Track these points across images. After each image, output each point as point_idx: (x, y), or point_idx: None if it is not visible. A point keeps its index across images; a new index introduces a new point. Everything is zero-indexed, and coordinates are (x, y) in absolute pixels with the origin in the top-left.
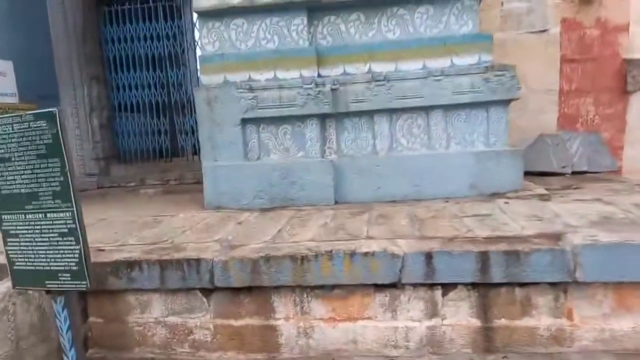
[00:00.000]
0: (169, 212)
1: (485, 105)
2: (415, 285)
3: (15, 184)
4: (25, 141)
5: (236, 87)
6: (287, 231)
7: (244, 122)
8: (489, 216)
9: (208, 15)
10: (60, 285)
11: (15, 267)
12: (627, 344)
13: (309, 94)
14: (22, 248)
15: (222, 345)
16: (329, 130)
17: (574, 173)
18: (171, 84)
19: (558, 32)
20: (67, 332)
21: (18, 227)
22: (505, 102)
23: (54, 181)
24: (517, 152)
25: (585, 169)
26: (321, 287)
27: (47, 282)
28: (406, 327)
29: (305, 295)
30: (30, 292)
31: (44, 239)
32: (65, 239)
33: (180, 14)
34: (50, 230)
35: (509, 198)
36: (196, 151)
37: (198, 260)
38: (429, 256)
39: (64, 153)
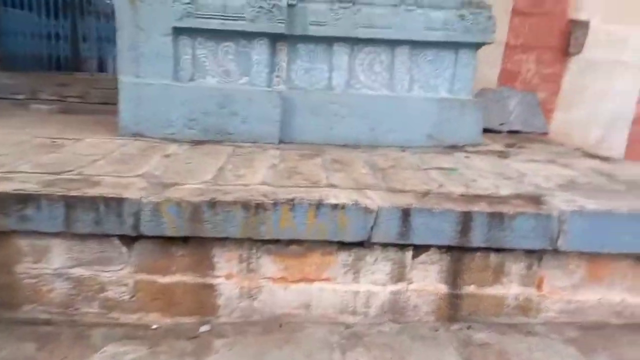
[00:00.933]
0: (72, 135)
1: (455, 46)
2: (385, 245)
3: None
4: None
5: None
6: (230, 171)
7: (177, 31)
8: (454, 170)
9: None
10: None
11: None
12: (591, 317)
13: (261, 7)
14: None
15: (143, 306)
16: (280, 55)
17: (508, 132)
18: None
19: None
20: None
21: None
22: (477, 46)
23: None
24: (480, 103)
25: (518, 128)
26: (275, 241)
27: None
28: (368, 292)
29: (254, 251)
30: None
31: None
32: None
33: None
34: None
35: (467, 152)
36: (101, 66)
37: (120, 200)
38: (406, 213)
39: None
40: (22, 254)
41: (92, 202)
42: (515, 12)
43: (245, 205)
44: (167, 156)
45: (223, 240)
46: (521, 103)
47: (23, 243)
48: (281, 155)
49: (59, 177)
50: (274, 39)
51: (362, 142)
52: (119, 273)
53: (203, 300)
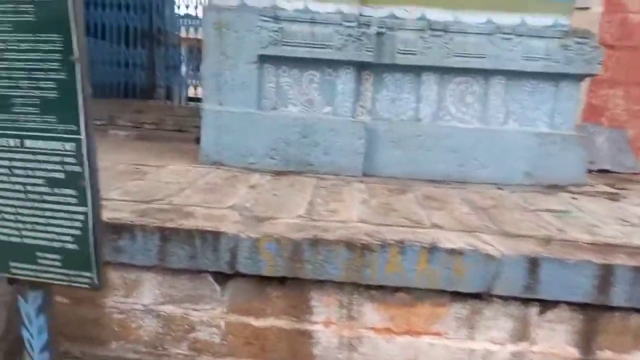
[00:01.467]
0: (153, 162)
1: (556, 77)
2: (506, 299)
3: None
4: None
5: (258, 13)
6: (321, 205)
7: (262, 59)
8: (567, 213)
9: None
10: (38, 273)
11: None
12: None
13: (349, 35)
14: None
15: (234, 350)
16: (365, 85)
17: (597, 171)
18: (154, 7)
19: (600, 12)
20: (40, 352)
21: None
22: (580, 77)
23: (47, 79)
24: (583, 139)
25: (607, 167)
26: (380, 287)
27: (12, 264)
28: (485, 350)
29: (356, 296)
30: None
31: (16, 188)
32: (58, 191)
33: None
34: (30, 172)
35: (573, 193)
36: (169, 94)
37: (216, 234)
38: (533, 262)
39: (73, 24)
40: (113, 287)
41: (188, 235)
42: (602, 44)
43: (350, 245)
44: (253, 187)
45: (322, 283)
46: (609, 140)
47: (114, 275)
48: (368, 190)
49: (149, 206)
50: (360, 67)
51: (450, 178)
52: (211, 313)
53: (298, 348)
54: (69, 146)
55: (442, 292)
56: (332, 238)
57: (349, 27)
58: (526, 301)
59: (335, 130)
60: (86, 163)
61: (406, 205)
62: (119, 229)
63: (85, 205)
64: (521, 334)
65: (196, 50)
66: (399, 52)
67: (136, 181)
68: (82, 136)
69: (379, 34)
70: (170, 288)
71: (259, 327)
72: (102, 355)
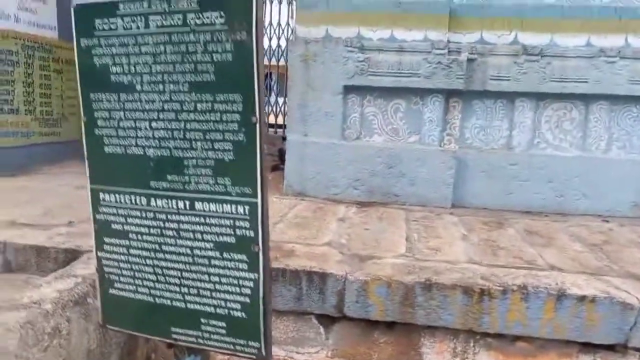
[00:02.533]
0: None
1: None
2: None
3: (138, 136)
4: (172, 54)
5: (344, 44)
6: (419, 241)
7: (347, 90)
8: None
9: None
10: (201, 340)
11: (111, 292)
12: None
13: (439, 62)
14: (131, 259)
15: None
16: (453, 113)
17: None
18: None
19: None
20: None
21: (129, 220)
22: None
23: (224, 140)
24: None
25: None
26: (498, 335)
27: (174, 329)
28: None
29: (471, 344)
30: (91, 301)
31: (182, 251)
32: (228, 255)
33: None
34: (199, 236)
35: None
36: None
37: (323, 275)
38: None
39: (256, 83)
40: None
41: (294, 276)
42: None
43: (467, 291)
44: (342, 220)
45: (434, 329)
46: None
47: None
48: (462, 223)
49: None
50: (448, 95)
51: (546, 209)
52: (315, 356)
53: None
54: (242, 209)
55: (569, 342)
56: (447, 282)
57: (438, 54)
58: None
59: (422, 160)
60: (260, 228)
61: (511, 242)
62: None
63: (257, 272)
64: None
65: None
66: (491, 79)
67: None
68: (258, 199)
69: (469, 60)
70: (274, 330)
71: None
72: None
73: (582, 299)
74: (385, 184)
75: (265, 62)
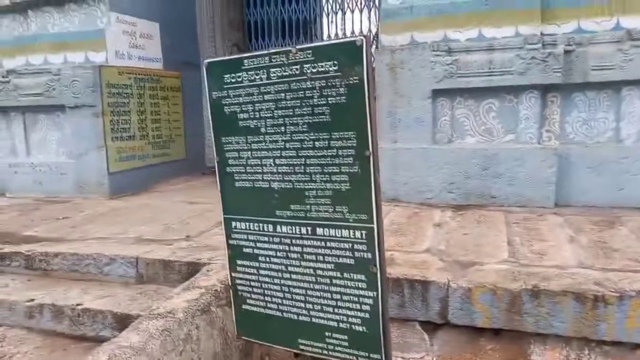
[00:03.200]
0: None
1: None
2: None
3: (264, 172)
4: (291, 99)
5: (430, 49)
6: (523, 245)
7: (436, 94)
8: None
9: None
10: (325, 351)
11: (244, 307)
12: None
13: (532, 58)
14: (261, 279)
15: None
16: (551, 108)
17: None
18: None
19: None
20: None
21: (258, 244)
22: None
23: (340, 172)
24: None
25: None
26: (616, 343)
27: (301, 340)
28: None
29: (585, 352)
30: (214, 310)
31: (306, 271)
32: (348, 275)
33: None
34: (321, 257)
35: None
36: None
37: (425, 283)
38: None
39: (369, 121)
40: None
41: (397, 284)
42: None
43: (578, 297)
44: (439, 225)
45: (544, 337)
46: None
47: None
48: (569, 223)
49: None
50: (545, 90)
51: None
52: None
53: None
54: (359, 234)
55: None
56: (556, 289)
57: (531, 49)
58: None
59: (521, 159)
60: (377, 250)
61: (626, 243)
62: None
63: (375, 290)
64: None
65: None
66: (593, 69)
67: None
68: (374, 225)
69: (567, 52)
70: None
71: None
72: None
73: None
74: (481, 185)
75: None
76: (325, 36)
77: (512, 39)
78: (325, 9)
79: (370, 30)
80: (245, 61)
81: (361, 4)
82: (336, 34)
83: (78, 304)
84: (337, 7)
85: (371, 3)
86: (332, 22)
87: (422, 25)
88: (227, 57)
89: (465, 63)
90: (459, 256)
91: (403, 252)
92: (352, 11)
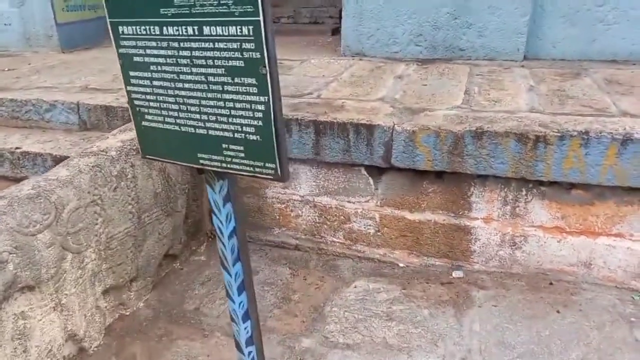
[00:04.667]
0: (295, 56)
1: None
2: None
3: None
4: None
5: None
6: (480, 94)
7: None
8: None
9: None
10: (224, 164)
11: (144, 124)
12: None
13: None
14: (155, 90)
15: (388, 241)
16: None
17: None
18: None
19: None
20: (229, 238)
21: (148, 52)
22: None
23: None
24: None
25: None
26: (553, 184)
27: (200, 155)
28: None
29: (523, 193)
30: None
31: (198, 78)
32: (238, 79)
33: None
34: (210, 62)
35: None
36: None
37: (370, 127)
38: None
39: None
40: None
41: (342, 129)
42: None
43: (521, 138)
44: (399, 77)
45: (484, 178)
46: None
47: None
48: (534, 75)
49: (301, 100)
50: None
51: (635, 57)
52: (365, 205)
53: (455, 243)
54: (246, 30)
55: (631, 190)
56: (499, 130)
57: None
58: None
59: (494, 7)
60: (264, 47)
61: (585, 91)
62: None
63: (266, 95)
64: None
65: None
66: None
67: (283, 76)
68: (260, 17)
69: None
70: (325, 181)
71: (414, 221)
72: (267, 240)
73: None
74: (451, 37)
75: None
76: None
77: None
78: None
79: None
80: None
81: None
82: None
83: (17, 148)
84: None
85: None
86: None
87: None
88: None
89: None
90: (411, 104)
91: (356, 101)
92: None
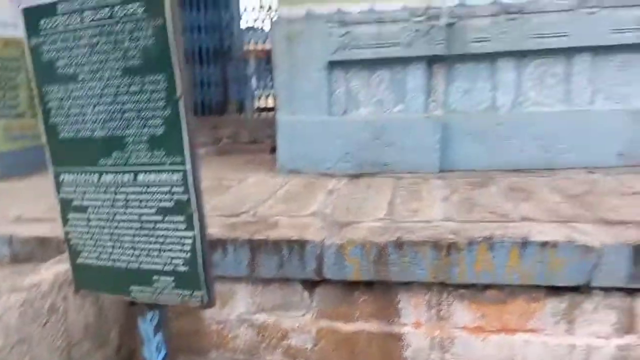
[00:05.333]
0: (234, 175)
1: None
2: (607, 290)
3: (85, 121)
4: (105, 44)
5: (324, 20)
6: (401, 204)
7: (331, 66)
8: None
9: None
10: (155, 295)
11: (79, 261)
12: None
13: (417, 30)
14: (91, 230)
15: (326, 355)
16: (436, 78)
17: None
18: (223, 26)
19: None
20: None
21: (87, 196)
22: None
23: (154, 117)
24: None
25: None
26: (469, 286)
27: (132, 287)
28: (588, 346)
29: (445, 296)
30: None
31: (132, 218)
32: (168, 218)
33: None
34: (143, 203)
35: None
36: (241, 108)
37: (302, 242)
38: (637, 251)
39: (175, 63)
40: None
41: (276, 246)
42: None
43: (436, 245)
44: (330, 192)
45: (409, 285)
46: None
47: None
48: (448, 185)
49: (238, 219)
50: (430, 61)
51: (535, 166)
52: (301, 319)
53: (388, 351)
54: (176, 177)
55: (537, 287)
56: (416, 239)
57: (417, 22)
58: (630, 291)
59: (408, 129)
60: (192, 191)
61: (490, 199)
62: (212, 244)
63: (193, 230)
64: (628, 326)
65: (262, 60)
66: (472, 41)
67: (221, 196)
68: (188, 167)
69: (449, 24)
70: (262, 297)
71: (349, 332)
72: None
73: (544, 244)
74: (374, 154)
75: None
76: None
77: (399, 12)
78: None
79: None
80: (59, 5)
81: None
82: None
83: None
84: None
85: None
86: None
87: None
88: (42, 2)
89: (357, 35)
90: (340, 217)
91: (289, 217)
92: None
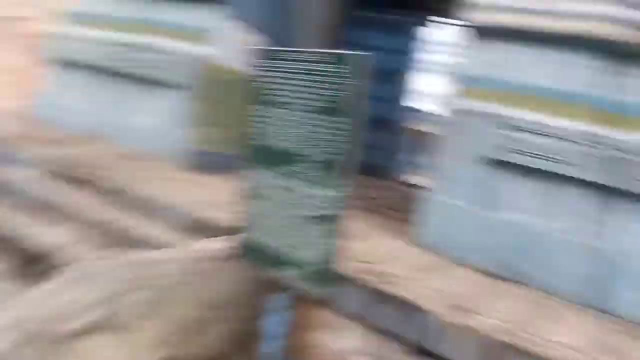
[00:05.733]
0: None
1: None
2: None
3: (280, 137)
4: (313, 87)
5: (492, 120)
6: None
7: (493, 163)
8: None
9: (479, 33)
10: (294, 280)
11: (248, 238)
12: None
13: (585, 154)
14: (264, 216)
15: None
16: (603, 208)
17: None
18: (393, 98)
19: None
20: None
21: (265, 191)
22: None
23: (329, 148)
24: None
25: None
26: None
27: (280, 267)
28: None
29: None
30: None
31: (293, 215)
32: (318, 224)
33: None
34: (304, 207)
35: None
36: (387, 176)
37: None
38: None
39: (356, 116)
40: None
41: None
42: None
43: None
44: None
45: None
46: None
47: None
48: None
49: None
50: (599, 188)
51: None
52: None
53: None
54: (332, 195)
55: None
56: None
57: (588, 144)
58: None
59: (558, 250)
60: (339, 210)
61: None
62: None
63: (332, 238)
64: None
65: (411, 139)
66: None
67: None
68: (335, 193)
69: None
70: None
71: None
72: None
73: None
74: (517, 263)
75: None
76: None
77: (570, 130)
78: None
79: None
80: (281, 52)
81: None
82: None
83: None
84: None
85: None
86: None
87: (490, 98)
88: (267, 47)
89: (520, 140)
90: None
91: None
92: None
